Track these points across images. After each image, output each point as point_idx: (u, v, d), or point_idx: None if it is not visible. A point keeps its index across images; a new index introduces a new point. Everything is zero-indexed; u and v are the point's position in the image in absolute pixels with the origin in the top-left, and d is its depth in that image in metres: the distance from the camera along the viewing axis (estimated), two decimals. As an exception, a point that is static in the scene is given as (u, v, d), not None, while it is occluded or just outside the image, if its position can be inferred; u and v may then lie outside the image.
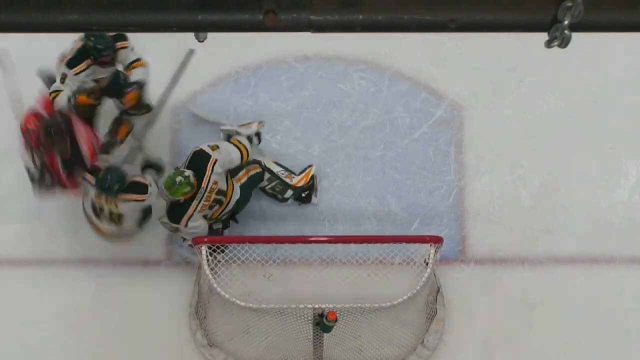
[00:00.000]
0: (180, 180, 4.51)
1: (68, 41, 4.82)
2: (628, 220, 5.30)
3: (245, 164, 4.89)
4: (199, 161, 4.64)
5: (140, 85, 4.90)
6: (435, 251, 4.56)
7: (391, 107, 5.41)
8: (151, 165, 5.14)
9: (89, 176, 4.64)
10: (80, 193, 4.77)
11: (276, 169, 5.05)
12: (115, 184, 4.58)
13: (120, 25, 2.05)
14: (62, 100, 4.67)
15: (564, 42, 2.04)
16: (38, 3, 2.02)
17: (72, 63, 4.70)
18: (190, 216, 4.64)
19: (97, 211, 4.75)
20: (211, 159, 4.62)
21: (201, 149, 4.67)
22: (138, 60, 4.92)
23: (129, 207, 4.73)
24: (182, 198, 4.56)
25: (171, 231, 4.88)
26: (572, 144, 5.39)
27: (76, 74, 4.68)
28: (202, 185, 4.59)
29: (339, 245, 4.93)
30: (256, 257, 4.71)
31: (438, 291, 5.00)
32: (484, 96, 5.43)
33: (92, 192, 4.71)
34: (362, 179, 5.28)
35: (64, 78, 4.67)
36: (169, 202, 4.66)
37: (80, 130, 4.63)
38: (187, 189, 4.53)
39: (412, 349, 5.07)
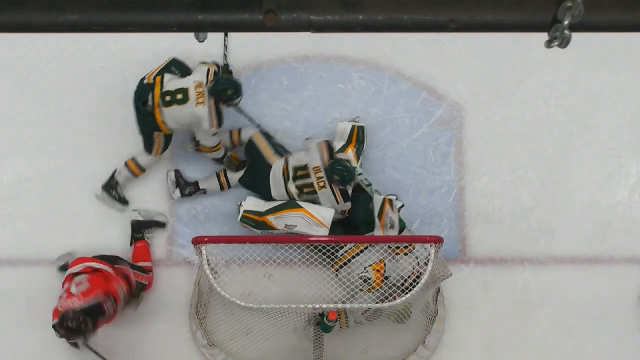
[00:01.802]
0: None
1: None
2: (628, 220, 5.30)
3: None
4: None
5: None
6: (436, 251, 4.56)
7: (391, 107, 5.40)
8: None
9: None
10: None
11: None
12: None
13: (120, 25, 2.05)
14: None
15: (564, 42, 2.04)
16: (38, 3, 2.02)
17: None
18: None
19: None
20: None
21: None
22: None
23: None
24: None
25: None
26: (572, 144, 5.39)
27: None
28: None
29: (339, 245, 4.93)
30: (256, 257, 4.71)
31: (438, 291, 5.00)
32: (484, 96, 5.43)
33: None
34: (362, 179, 5.28)
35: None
36: None
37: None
38: None
39: (413, 349, 5.08)
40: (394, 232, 4.88)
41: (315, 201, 4.96)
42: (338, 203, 4.90)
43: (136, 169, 5.14)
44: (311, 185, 4.93)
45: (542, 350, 5.14)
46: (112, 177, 5.17)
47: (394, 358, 5.06)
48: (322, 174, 4.88)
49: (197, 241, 4.56)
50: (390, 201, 4.89)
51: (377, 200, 4.93)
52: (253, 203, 5.02)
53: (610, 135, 5.39)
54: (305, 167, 4.93)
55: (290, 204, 4.98)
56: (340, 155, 4.97)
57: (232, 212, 5.21)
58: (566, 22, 2.00)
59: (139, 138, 5.14)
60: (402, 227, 4.95)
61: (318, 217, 4.90)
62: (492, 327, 5.16)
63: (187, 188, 5.19)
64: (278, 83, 5.34)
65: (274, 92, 5.36)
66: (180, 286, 5.14)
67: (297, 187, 4.97)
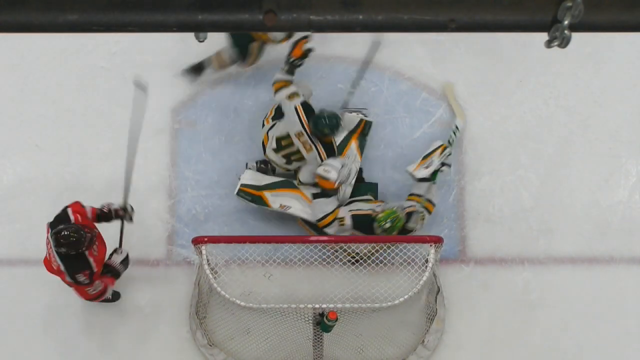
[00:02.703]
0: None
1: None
2: (628, 220, 5.30)
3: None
4: None
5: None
6: (436, 251, 4.56)
7: (391, 107, 5.41)
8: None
9: None
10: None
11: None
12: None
13: (120, 25, 2.05)
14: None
15: (564, 42, 2.04)
16: (38, 3, 2.02)
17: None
18: None
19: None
20: None
21: None
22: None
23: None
24: None
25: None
26: (572, 143, 5.39)
27: None
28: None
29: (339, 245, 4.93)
30: (256, 257, 4.71)
31: (438, 291, 5.00)
32: (484, 96, 5.43)
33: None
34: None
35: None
36: None
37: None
38: None
39: (413, 348, 5.08)
40: (426, 173, 4.94)
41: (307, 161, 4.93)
42: (322, 160, 4.84)
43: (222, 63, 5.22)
44: (298, 152, 4.88)
45: (542, 350, 5.14)
46: (202, 62, 5.26)
47: (393, 357, 5.06)
48: (305, 137, 4.82)
49: (197, 241, 4.57)
50: (445, 149, 5.00)
51: (436, 143, 5.04)
52: (251, 177, 5.04)
53: (610, 135, 5.40)
54: (287, 136, 4.88)
55: (288, 183, 5.00)
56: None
57: (232, 212, 5.22)
58: (566, 22, 2.00)
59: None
60: (433, 179, 4.97)
61: (312, 200, 4.94)
62: (492, 327, 5.16)
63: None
64: (278, 83, 5.33)
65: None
66: (180, 286, 5.14)
67: (284, 156, 4.93)
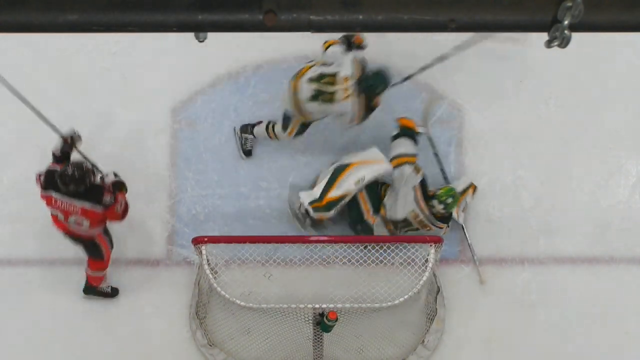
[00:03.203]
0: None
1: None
2: (628, 220, 5.30)
3: None
4: None
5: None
6: (435, 251, 4.56)
7: (391, 107, 5.40)
8: None
9: None
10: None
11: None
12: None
13: (120, 25, 2.05)
14: None
15: (564, 42, 2.04)
16: (38, 3, 2.02)
17: None
18: None
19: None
20: None
21: None
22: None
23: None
24: None
25: None
26: (572, 144, 5.39)
27: None
28: None
29: (339, 245, 4.93)
30: (256, 257, 4.71)
31: (438, 291, 5.00)
32: (484, 96, 5.43)
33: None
34: (362, 179, 5.27)
35: None
36: None
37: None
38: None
39: (413, 348, 5.08)
40: (463, 217, 5.12)
41: (325, 112, 4.82)
42: (357, 112, 4.72)
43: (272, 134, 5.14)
44: (332, 93, 4.70)
45: (542, 350, 5.14)
46: (253, 124, 5.24)
47: (393, 357, 5.06)
48: (350, 84, 4.65)
49: (197, 241, 4.57)
50: (475, 188, 5.17)
51: (465, 180, 5.17)
52: (308, 195, 4.96)
53: (610, 135, 5.40)
54: (334, 75, 4.70)
55: (338, 169, 4.94)
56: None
57: (232, 212, 5.22)
58: (566, 22, 2.00)
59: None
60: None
61: (370, 158, 4.97)
62: (492, 327, 5.16)
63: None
64: (278, 83, 5.33)
65: (274, 92, 5.35)
66: (180, 286, 5.14)
67: (316, 90, 4.73)
